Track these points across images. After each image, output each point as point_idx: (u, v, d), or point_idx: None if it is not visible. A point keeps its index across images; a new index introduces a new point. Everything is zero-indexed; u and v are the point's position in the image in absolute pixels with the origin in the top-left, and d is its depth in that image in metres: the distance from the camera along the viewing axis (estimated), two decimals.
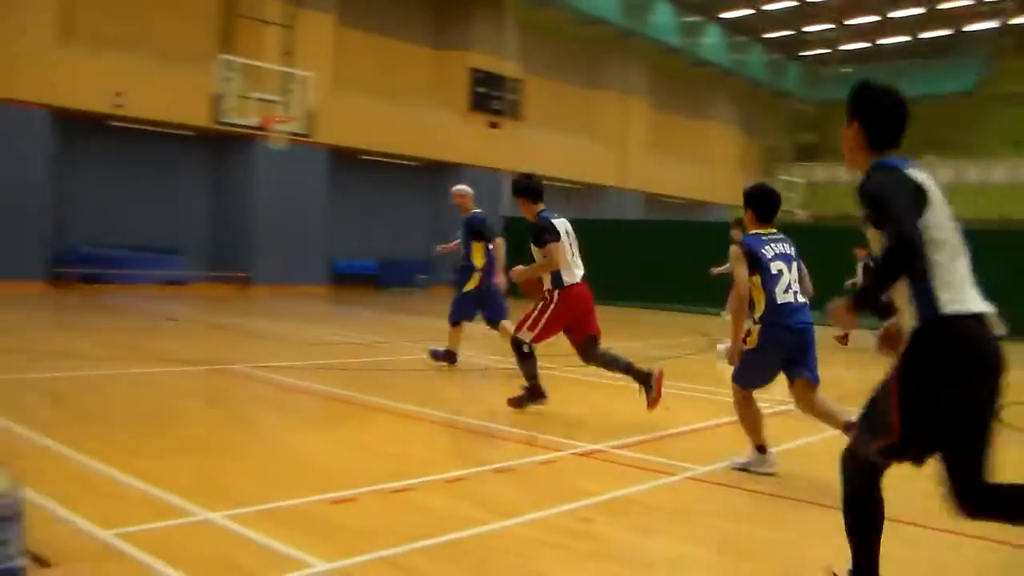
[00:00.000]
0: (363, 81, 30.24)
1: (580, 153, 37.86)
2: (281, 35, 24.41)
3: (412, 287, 30.78)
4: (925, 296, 3.65)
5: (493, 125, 33.27)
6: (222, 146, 26.80)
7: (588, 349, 8.97)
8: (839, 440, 8.12)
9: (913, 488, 4.65)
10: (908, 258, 3.48)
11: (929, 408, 3.62)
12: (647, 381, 8.40)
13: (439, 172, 32.82)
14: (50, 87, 22.52)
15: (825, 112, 47.92)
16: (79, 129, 24.21)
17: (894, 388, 3.68)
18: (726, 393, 10.52)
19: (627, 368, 8.65)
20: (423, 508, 5.33)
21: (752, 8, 41.38)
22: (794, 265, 6.76)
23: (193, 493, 5.26)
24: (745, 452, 6.73)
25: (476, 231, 12.10)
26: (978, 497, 3.68)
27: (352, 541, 4.63)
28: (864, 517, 4.03)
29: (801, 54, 48.79)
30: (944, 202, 3.82)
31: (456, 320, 12.08)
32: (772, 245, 6.80)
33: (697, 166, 45.04)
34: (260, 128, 21.56)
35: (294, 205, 26.45)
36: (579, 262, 9.07)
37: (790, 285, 6.63)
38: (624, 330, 19.85)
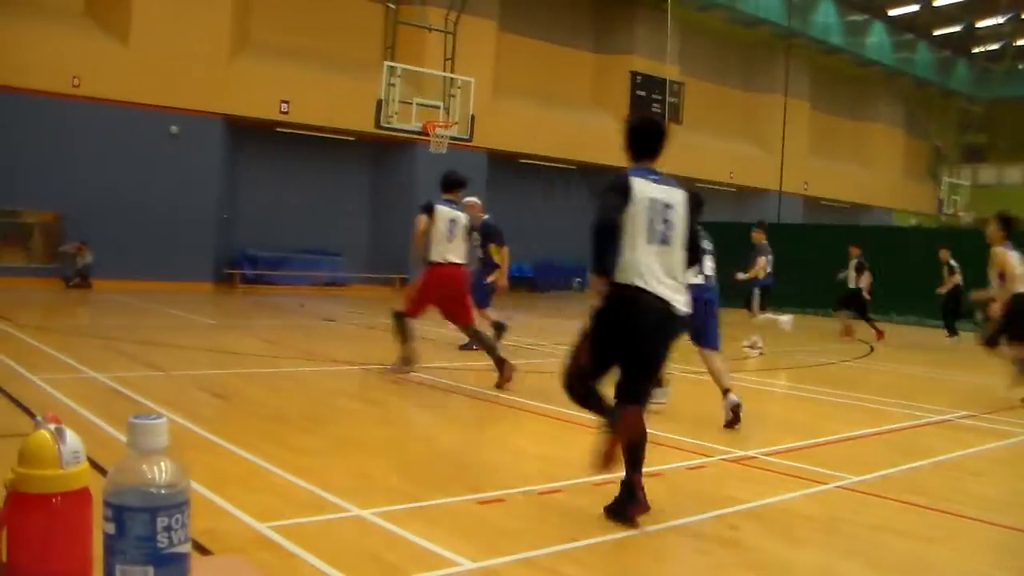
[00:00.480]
0: (523, 85, 30.47)
1: (739, 156, 37.34)
2: (443, 41, 24.78)
3: (568, 290, 30.85)
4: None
5: None
6: (383, 150, 27.39)
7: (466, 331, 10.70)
8: (993, 453, 7.87)
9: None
10: (607, 237, 5.19)
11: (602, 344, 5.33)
12: (500, 366, 9.95)
13: (599, 176, 32.80)
14: (223, 96, 23.44)
15: (995, 111, 46.06)
16: (248, 135, 25.11)
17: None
18: (878, 401, 10.31)
19: (490, 349, 10.36)
20: (570, 510, 5.34)
21: (919, 3, 40.09)
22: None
23: (346, 490, 5.39)
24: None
25: (492, 235, 13.98)
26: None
27: (498, 541, 4.68)
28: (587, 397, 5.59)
29: (971, 51, 46.94)
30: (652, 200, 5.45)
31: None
32: None
33: (859, 168, 43.87)
34: (421, 132, 21.94)
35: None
36: (456, 249, 10.31)
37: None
38: (780, 335, 19.48)
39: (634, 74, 32.81)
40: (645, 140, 6.05)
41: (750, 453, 7.09)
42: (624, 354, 5.26)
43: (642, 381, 5.34)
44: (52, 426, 1.43)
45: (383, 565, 4.25)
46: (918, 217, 44.40)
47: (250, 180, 25.58)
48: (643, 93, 32.96)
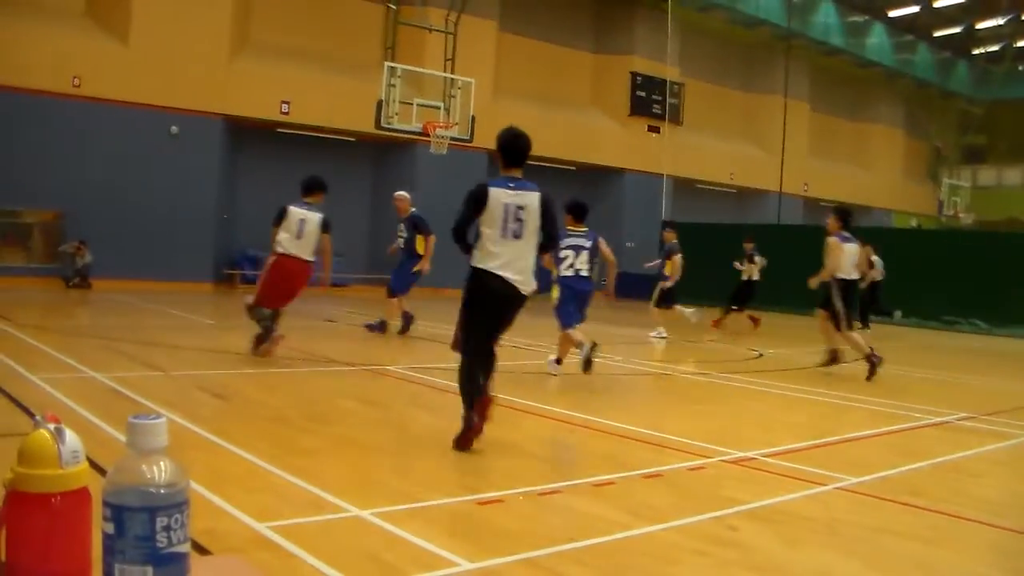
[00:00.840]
0: (523, 86, 30.50)
1: (739, 157, 37.38)
2: (443, 42, 24.81)
3: None
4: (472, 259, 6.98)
5: (652, 129, 33.11)
6: (383, 151, 27.42)
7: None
8: (992, 455, 7.88)
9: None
10: (456, 238, 7.10)
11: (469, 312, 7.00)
12: (261, 340, 11.16)
13: (598, 176, 32.85)
14: (223, 96, 23.46)
15: (995, 113, 46.06)
16: (248, 136, 25.14)
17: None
18: (878, 402, 10.31)
19: (265, 330, 11.31)
20: (569, 511, 5.35)
21: (920, 5, 40.10)
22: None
23: (345, 490, 5.40)
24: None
25: (419, 227, 15.34)
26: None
27: (497, 542, 4.68)
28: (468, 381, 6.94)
29: (971, 52, 46.94)
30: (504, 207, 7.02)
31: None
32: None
33: (859, 169, 43.89)
34: (422, 133, 21.96)
35: (453, 209, 26.76)
36: (297, 243, 11.76)
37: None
38: (779, 336, 19.52)
39: (634, 75, 32.83)
40: (511, 152, 7.54)
41: (750, 454, 7.09)
42: (481, 319, 7.02)
43: (493, 340, 7.19)
44: (51, 426, 1.43)
45: (382, 565, 4.25)
46: (918, 218, 44.42)
47: (250, 180, 25.59)
48: (643, 94, 32.99)
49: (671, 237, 18.58)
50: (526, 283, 7.00)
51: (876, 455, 7.49)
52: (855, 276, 13.91)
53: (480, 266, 6.92)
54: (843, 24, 40.09)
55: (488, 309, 7.01)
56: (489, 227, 6.94)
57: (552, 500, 5.56)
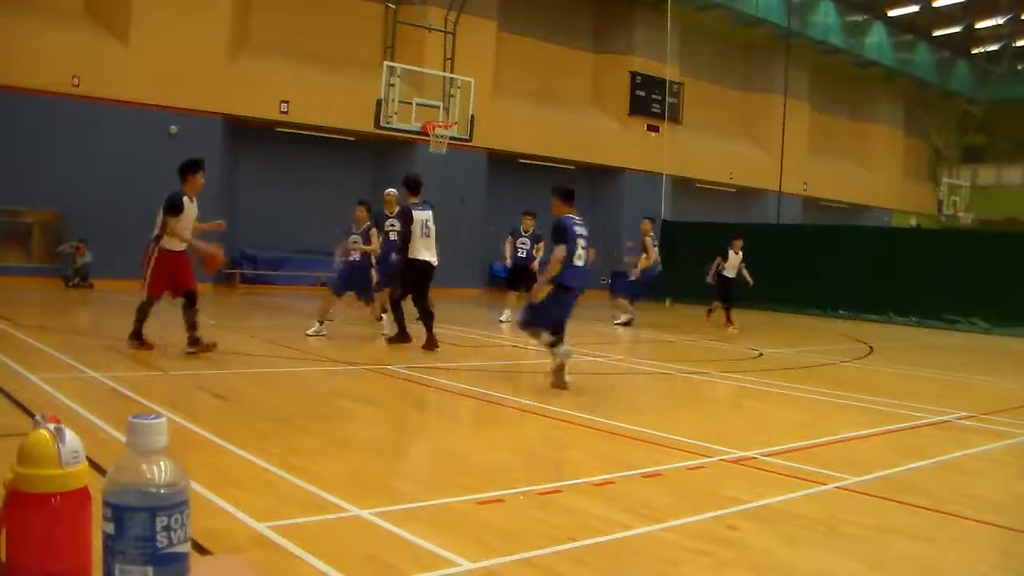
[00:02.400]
0: (523, 86, 30.49)
1: (738, 156, 37.38)
2: (443, 41, 24.79)
3: None
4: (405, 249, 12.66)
5: (652, 128, 33.12)
6: (383, 150, 27.41)
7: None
8: (993, 454, 7.88)
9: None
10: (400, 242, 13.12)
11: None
12: (196, 344, 11.15)
13: (597, 176, 32.85)
14: (223, 96, 23.46)
15: (994, 112, 46.06)
16: (247, 135, 25.13)
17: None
18: (878, 401, 10.32)
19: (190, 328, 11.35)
20: (569, 510, 5.34)
21: (920, 4, 40.11)
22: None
23: (345, 490, 5.39)
24: None
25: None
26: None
27: (497, 542, 4.68)
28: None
29: (971, 52, 46.93)
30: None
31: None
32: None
33: (858, 169, 43.89)
34: (421, 133, 21.95)
35: (452, 208, 26.84)
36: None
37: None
38: (779, 335, 19.52)
39: (634, 74, 32.83)
40: (415, 186, 13.18)
41: (750, 453, 7.09)
42: (413, 285, 12.78)
43: (423, 298, 12.71)
44: (51, 426, 1.43)
45: (382, 565, 4.25)
46: (918, 218, 44.43)
47: (250, 180, 25.59)
48: (643, 93, 32.99)
49: (647, 229, 20.01)
50: (435, 261, 13.07)
51: (876, 454, 7.49)
52: None
53: (414, 255, 12.81)
54: (842, 23, 40.09)
55: (418, 279, 12.92)
56: (416, 231, 12.77)
57: (552, 500, 5.56)
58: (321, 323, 14.18)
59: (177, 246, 11.33)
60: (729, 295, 19.76)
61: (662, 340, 17.09)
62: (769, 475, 6.52)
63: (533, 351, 13.94)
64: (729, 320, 19.45)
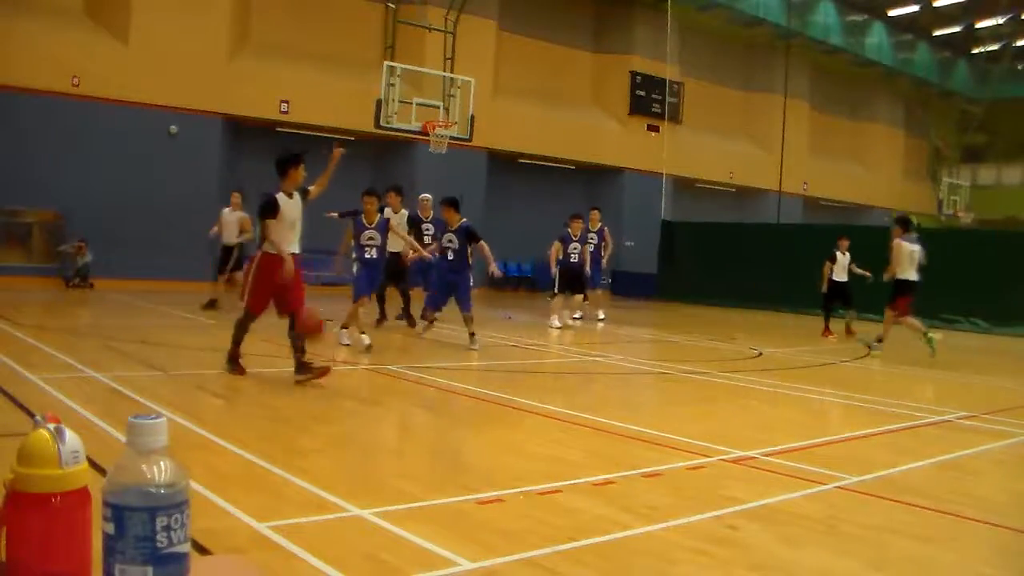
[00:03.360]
0: (523, 85, 30.49)
1: (738, 156, 37.38)
2: (443, 41, 24.79)
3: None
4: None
5: (652, 128, 33.11)
6: (383, 150, 27.40)
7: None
8: (993, 454, 7.87)
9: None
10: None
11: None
12: (306, 370, 9.68)
13: (597, 176, 32.84)
14: (223, 96, 23.46)
15: (994, 112, 46.02)
16: (248, 135, 25.12)
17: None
18: (878, 401, 10.31)
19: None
20: (569, 510, 5.34)
21: (919, 4, 40.10)
22: None
23: (345, 490, 5.39)
24: None
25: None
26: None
27: (497, 541, 4.67)
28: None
29: (971, 52, 46.90)
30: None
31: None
32: None
33: (858, 168, 43.88)
34: (421, 132, 21.95)
35: None
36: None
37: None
38: (779, 335, 19.51)
39: (634, 74, 32.83)
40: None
41: (750, 453, 7.09)
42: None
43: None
44: (51, 426, 1.43)
45: (382, 565, 4.25)
46: (918, 217, 44.38)
47: (250, 180, 25.54)
48: (643, 93, 33.00)
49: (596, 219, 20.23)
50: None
51: (876, 454, 7.49)
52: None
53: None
54: (842, 23, 40.09)
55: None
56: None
57: (552, 499, 5.55)
58: (362, 332, 13.14)
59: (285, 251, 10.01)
60: (848, 300, 18.72)
61: (662, 340, 17.09)
62: (769, 475, 6.52)
63: (533, 350, 13.95)
64: (828, 329, 18.66)
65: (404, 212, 16.08)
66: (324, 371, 9.71)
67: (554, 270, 18.31)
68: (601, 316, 19.48)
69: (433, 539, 4.55)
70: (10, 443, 1.61)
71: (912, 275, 15.48)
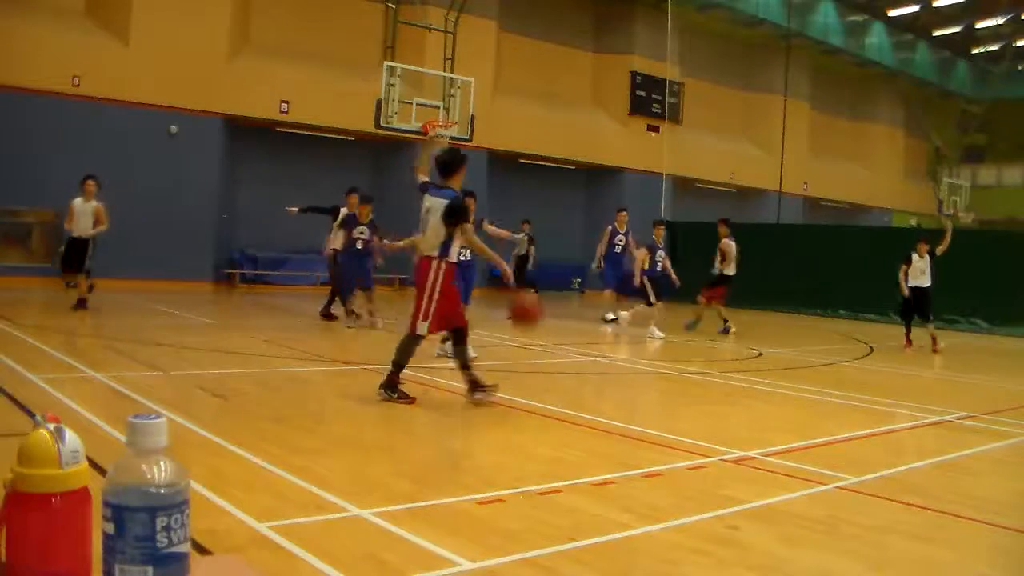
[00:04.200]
0: (523, 85, 30.51)
1: (739, 156, 37.39)
2: (443, 41, 24.80)
3: (567, 290, 30.84)
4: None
5: (652, 128, 33.11)
6: (383, 150, 27.42)
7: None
8: (993, 454, 7.87)
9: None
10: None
11: None
12: (479, 388, 8.81)
13: (597, 176, 32.85)
14: (222, 96, 23.47)
15: (994, 112, 46.03)
16: (247, 135, 25.14)
17: None
18: (878, 401, 10.32)
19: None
20: (570, 511, 5.34)
21: (920, 4, 40.10)
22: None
23: (345, 490, 5.40)
24: None
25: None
26: None
27: (498, 541, 4.67)
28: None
29: (971, 52, 46.88)
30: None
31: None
32: None
33: (859, 169, 43.88)
34: (421, 132, 21.93)
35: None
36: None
37: None
38: (779, 335, 19.51)
39: (634, 74, 32.84)
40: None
41: (750, 453, 7.09)
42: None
43: None
44: (51, 426, 1.43)
45: (382, 565, 4.25)
46: (917, 217, 44.41)
47: (250, 180, 25.59)
48: (643, 93, 33.01)
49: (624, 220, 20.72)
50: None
51: (876, 454, 7.49)
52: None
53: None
54: (842, 23, 40.11)
55: None
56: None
57: (552, 500, 5.56)
58: (360, 316, 15.68)
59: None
60: (925, 310, 16.84)
61: (662, 339, 17.07)
62: (769, 475, 6.52)
63: (533, 351, 13.95)
64: (909, 340, 16.95)
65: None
66: (495, 388, 8.95)
67: (640, 279, 17.90)
68: (613, 316, 19.45)
69: (433, 539, 4.55)
70: (10, 443, 1.61)
71: (733, 270, 18.53)
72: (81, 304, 15.94)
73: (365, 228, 16.08)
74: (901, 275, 16.97)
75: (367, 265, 16.15)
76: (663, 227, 18.79)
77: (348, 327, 15.71)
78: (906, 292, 16.85)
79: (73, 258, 16.10)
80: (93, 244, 16.25)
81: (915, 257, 16.98)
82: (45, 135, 21.17)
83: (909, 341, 16.96)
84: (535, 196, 31.37)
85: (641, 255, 18.05)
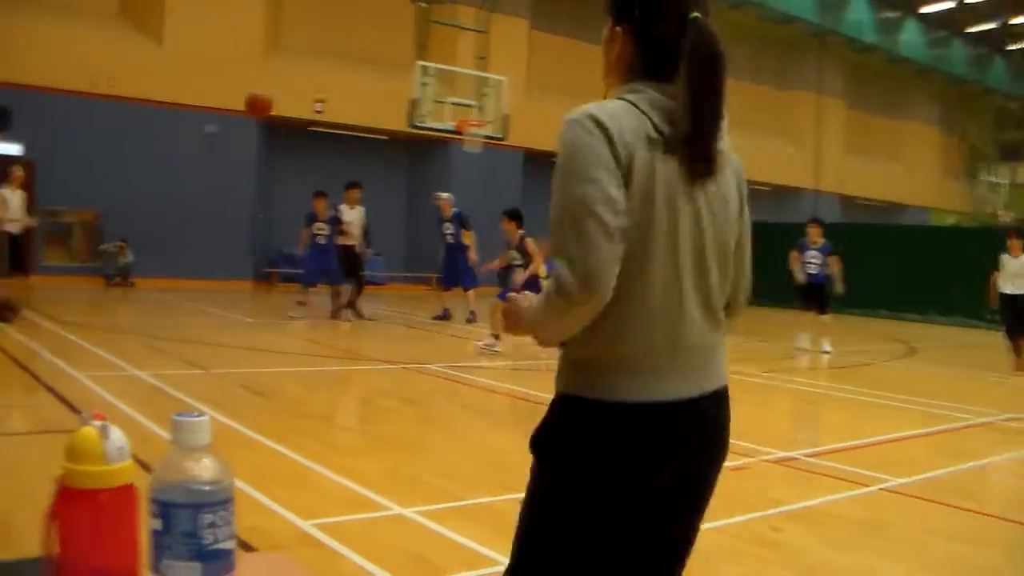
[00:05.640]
0: (556, 83, 30.45)
1: (773, 155, 37.12)
2: (475, 40, 24.79)
3: None
4: None
5: None
6: (417, 149, 27.46)
7: None
8: None
9: None
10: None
11: None
12: None
13: None
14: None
15: None
16: (282, 135, 25.26)
17: None
18: (921, 402, 10.19)
19: None
20: None
21: (953, 1, 39.73)
22: None
23: (387, 488, 5.38)
24: None
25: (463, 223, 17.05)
26: None
27: None
28: None
29: (1006, 48, 46.33)
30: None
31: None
32: None
33: (895, 167, 43.45)
34: (455, 132, 21.94)
35: (488, 207, 26.82)
36: None
37: None
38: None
39: None
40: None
41: (793, 454, 7.02)
42: None
43: None
44: (97, 423, 1.42)
45: (424, 563, 4.23)
46: (955, 216, 43.99)
47: (286, 179, 25.68)
48: None
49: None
50: None
51: (921, 456, 7.40)
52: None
53: None
54: (876, 20, 39.75)
55: None
56: None
57: None
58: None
59: None
60: (1021, 321, 14.39)
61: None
62: (812, 476, 6.45)
63: None
64: (1020, 356, 14.31)
65: (360, 209, 17.00)
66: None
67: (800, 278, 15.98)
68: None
69: (475, 537, 4.53)
70: (58, 439, 1.61)
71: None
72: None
73: (324, 224, 16.55)
74: (992, 282, 14.83)
75: (330, 261, 16.42)
76: (818, 225, 16.52)
77: (291, 316, 16.29)
78: (994, 302, 14.87)
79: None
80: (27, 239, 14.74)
81: (1007, 258, 14.65)
82: (84, 136, 21.34)
83: (1021, 357, 14.30)
84: None
85: (795, 258, 16.00)
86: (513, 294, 2.20)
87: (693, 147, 2.07)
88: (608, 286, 1.95)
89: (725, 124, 2.22)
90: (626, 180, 1.99)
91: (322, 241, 16.40)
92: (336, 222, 16.47)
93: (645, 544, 2.29)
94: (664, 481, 2.13)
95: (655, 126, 2.06)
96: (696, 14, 2.13)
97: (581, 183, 2.00)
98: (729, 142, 2.27)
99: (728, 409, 2.22)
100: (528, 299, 2.13)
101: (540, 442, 2.20)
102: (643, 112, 2.07)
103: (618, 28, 2.26)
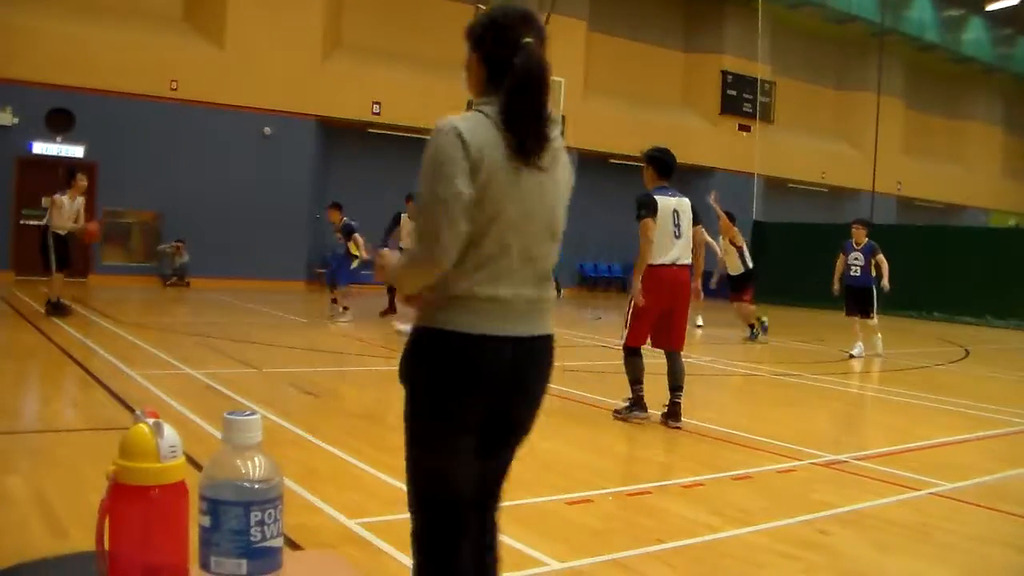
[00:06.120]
0: (613, 85, 30.41)
1: (831, 156, 36.77)
2: None
3: None
4: None
5: (743, 128, 32.79)
6: None
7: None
8: None
9: None
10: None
11: None
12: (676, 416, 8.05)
13: (687, 176, 32.59)
14: (315, 97, 23.80)
15: None
16: (340, 136, 25.44)
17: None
18: (973, 405, 10.07)
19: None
20: (658, 512, 5.33)
21: None
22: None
23: None
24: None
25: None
26: None
27: (586, 542, 4.68)
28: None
29: None
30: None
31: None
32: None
33: (953, 168, 42.77)
34: None
35: None
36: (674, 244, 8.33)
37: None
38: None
39: (725, 73, 32.53)
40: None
41: (841, 457, 6.99)
42: None
43: None
44: (151, 420, 1.47)
45: None
46: (1015, 217, 43.26)
47: (342, 180, 25.86)
48: (734, 92, 32.69)
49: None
50: None
51: (972, 460, 7.33)
52: None
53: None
54: (939, 19, 39.22)
55: None
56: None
57: (640, 501, 5.54)
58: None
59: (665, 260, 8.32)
60: None
61: (750, 341, 16.86)
62: (861, 479, 6.42)
63: (620, 351, 13.87)
64: None
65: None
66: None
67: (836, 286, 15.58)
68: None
69: (521, 538, 4.57)
70: (112, 436, 1.67)
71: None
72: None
73: (337, 234, 17.57)
74: None
75: (334, 265, 17.60)
76: (863, 226, 15.83)
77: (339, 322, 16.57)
78: None
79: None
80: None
81: None
82: (145, 138, 21.66)
83: None
84: (625, 197, 31.20)
85: (840, 260, 15.50)
86: (385, 250, 2.85)
87: (518, 145, 2.68)
88: (451, 257, 2.57)
89: (554, 126, 2.92)
90: (475, 176, 2.59)
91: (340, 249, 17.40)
92: (349, 231, 17.26)
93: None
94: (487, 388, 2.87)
95: (500, 130, 2.69)
96: (528, 39, 2.91)
97: (439, 180, 2.58)
98: (562, 142, 2.95)
99: (550, 356, 3.08)
100: (396, 257, 2.78)
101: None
102: (491, 119, 2.69)
103: (474, 55, 2.91)
